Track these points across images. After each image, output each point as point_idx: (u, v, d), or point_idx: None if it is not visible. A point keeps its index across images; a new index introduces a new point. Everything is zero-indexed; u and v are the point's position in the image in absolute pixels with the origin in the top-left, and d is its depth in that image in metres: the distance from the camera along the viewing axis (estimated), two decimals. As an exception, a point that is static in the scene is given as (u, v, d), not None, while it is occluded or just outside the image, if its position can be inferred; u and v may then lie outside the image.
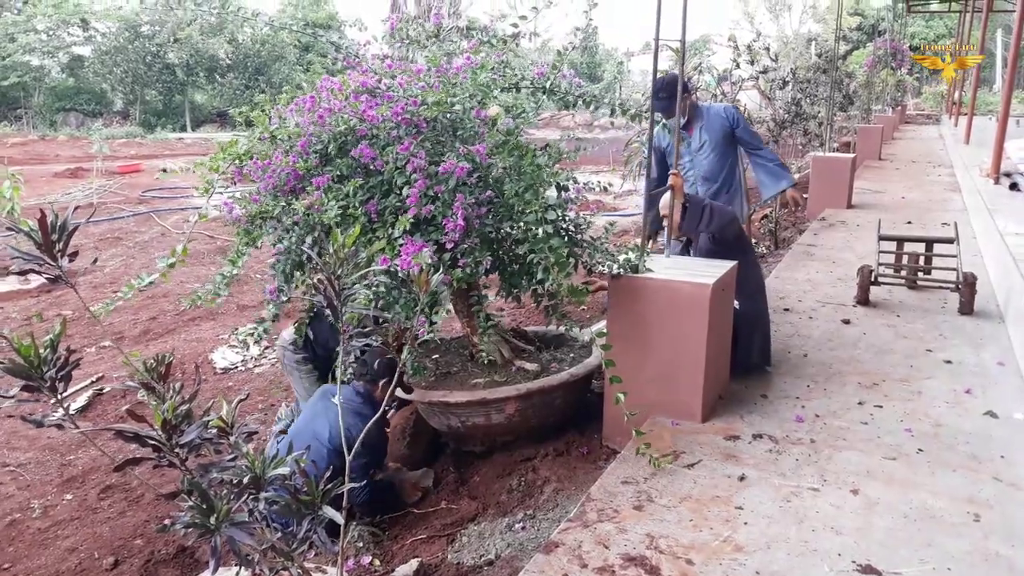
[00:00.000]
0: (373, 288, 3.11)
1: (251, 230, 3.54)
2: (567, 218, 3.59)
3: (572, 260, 3.47)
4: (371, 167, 3.34)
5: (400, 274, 2.99)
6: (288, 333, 4.37)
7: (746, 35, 7.83)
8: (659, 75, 4.18)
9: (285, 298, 3.48)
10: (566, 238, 3.49)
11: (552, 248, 3.26)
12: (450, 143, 3.43)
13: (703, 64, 5.96)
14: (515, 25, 3.87)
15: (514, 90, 3.68)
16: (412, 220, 3.17)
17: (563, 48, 3.89)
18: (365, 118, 3.37)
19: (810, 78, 9.48)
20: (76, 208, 1.99)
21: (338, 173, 3.36)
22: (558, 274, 3.23)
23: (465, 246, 3.28)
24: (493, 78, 3.61)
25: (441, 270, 3.24)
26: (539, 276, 3.27)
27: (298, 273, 3.46)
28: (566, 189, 3.56)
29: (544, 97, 3.78)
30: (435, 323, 2.96)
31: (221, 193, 3.55)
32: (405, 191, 3.22)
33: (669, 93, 4.69)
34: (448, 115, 3.48)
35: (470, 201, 3.22)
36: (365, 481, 3.59)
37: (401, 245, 3.07)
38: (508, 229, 3.50)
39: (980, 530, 2.74)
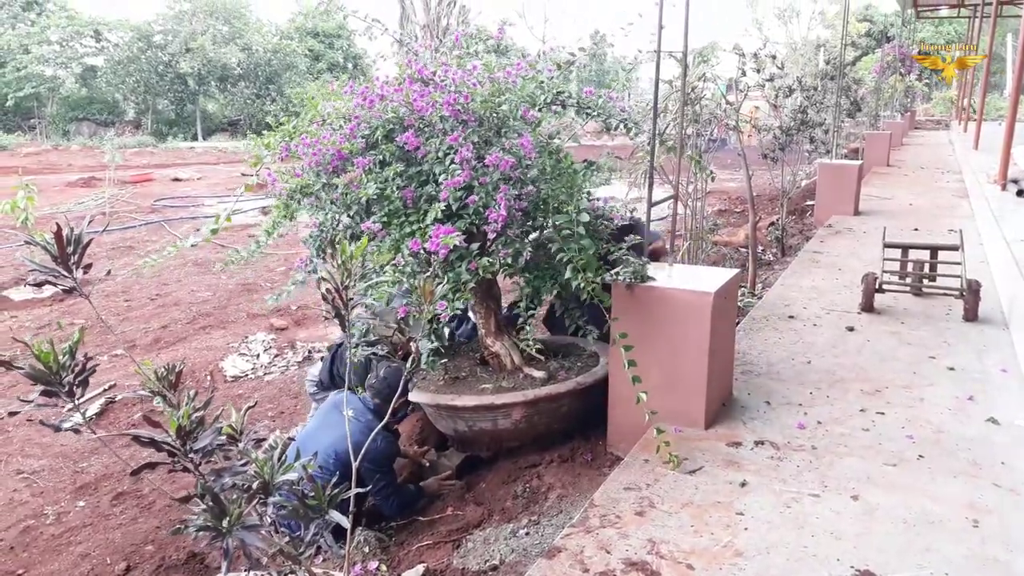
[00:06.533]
0: (400, 268, 3.31)
1: (290, 204, 3.72)
2: (596, 222, 3.73)
3: (600, 263, 3.58)
4: (412, 157, 3.50)
5: (433, 261, 3.19)
6: (315, 368, 4.65)
7: (755, 42, 7.86)
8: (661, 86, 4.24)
9: (312, 269, 3.70)
10: (594, 240, 3.63)
11: (583, 248, 3.36)
12: (496, 141, 3.57)
13: (707, 73, 6.00)
14: (572, 54, 4.13)
15: (561, 107, 3.81)
16: (444, 210, 3.33)
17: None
18: (415, 108, 3.52)
19: (816, 85, 9.48)
20: (91, 220, 2.07)
21: (380, 158, 3.54)
22: (586, 275, 3.31)
23: (506, 237, 3.45)
24: (543, 86, 3.77)
25: (467, 259, 3.41)
26: (567, 275, 3.35)
27: (329, 250, 3.68)
28: (598, 199, 3.81)
29: (588, 117, 3.93)
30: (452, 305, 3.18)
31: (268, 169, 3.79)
32: (442, 179, 3.37)
33: None
34: (496, 114, 3.62)
35: (513, 194, 3.36)
36: (389, 493, 3.74)
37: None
38: (538, 230, 3.70)
39: (979, 535, 2.77)
